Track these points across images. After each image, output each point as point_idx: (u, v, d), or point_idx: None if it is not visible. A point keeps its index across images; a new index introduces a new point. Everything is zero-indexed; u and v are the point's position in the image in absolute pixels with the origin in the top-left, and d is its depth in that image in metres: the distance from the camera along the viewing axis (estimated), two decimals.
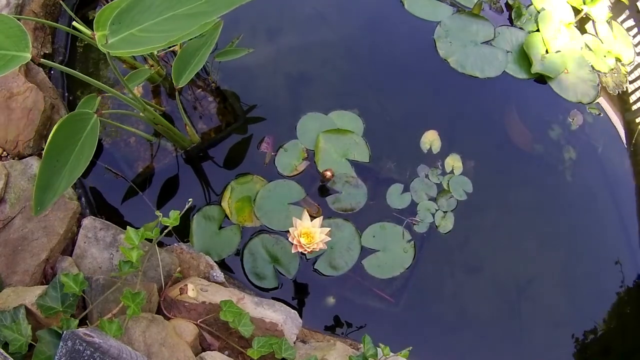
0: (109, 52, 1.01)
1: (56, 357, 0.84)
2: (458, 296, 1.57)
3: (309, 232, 1.38)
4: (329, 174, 1.57)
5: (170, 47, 1.70)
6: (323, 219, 1.47)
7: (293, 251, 1.44)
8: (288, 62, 1.83)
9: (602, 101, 1.93)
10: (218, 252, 1.51)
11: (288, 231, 1.43)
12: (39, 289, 1.10)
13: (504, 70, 1.89)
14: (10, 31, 0.97)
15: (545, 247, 1.67)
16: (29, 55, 0.97)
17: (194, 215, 1.54)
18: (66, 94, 1.65)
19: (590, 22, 2.09)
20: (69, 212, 1.30)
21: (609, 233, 1.74)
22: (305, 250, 1.39)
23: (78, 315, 1.13)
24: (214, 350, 1.22)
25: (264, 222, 1.55)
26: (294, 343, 1.27)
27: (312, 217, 1.44)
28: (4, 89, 1.38)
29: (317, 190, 1.61)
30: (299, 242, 1.37)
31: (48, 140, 1.09)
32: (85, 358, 0.83)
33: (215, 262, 1.41)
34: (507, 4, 2.04)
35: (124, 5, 0.98)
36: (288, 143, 1.66)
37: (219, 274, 1.37)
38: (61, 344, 0.84)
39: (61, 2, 1.59)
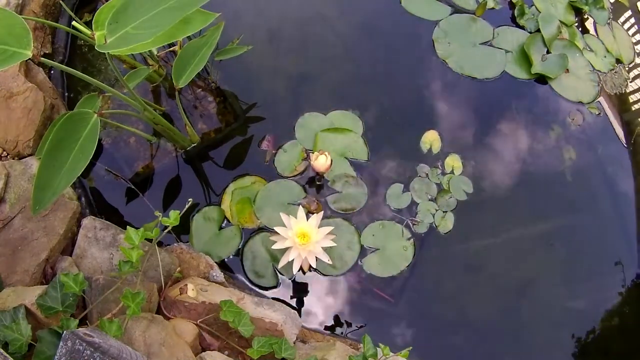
0: (107, 52, 1.01)
1: (56, 357, 0.84)
2: (458, 296, 1.57)
3: (305, 232, 1.37)
4: (323, 158, 1.50)
5: (170, 47, 1.70)
6: (323, 217, 1.47)
7: (281, 265, 1.42)
8: (288, 62, 1.83)
9: (602, 101, 1.93)
10: (218, 252, 1.51)
11: (275, 231, 1.40)
12: (39, 289, 1.10)
13: (504, 71, 1.89)
14: (13, 28, 0.98)
15: (545, 247, 1.66)
16: (29, 53, 0.97)
17: (193, 215, 1.54)
18: (66, 94, 1.65)
19: (591, 22, 2.09)
20: (69, 212, 1.30)
21: (609, 233, 1.74)
22: (302, 255, 1.36)
23: (78, 315, 1.13)
24: (214, 350, 1.22)
25: (264, 222, 1.55)
26: (294, 343, 1.27)
27: (311, 213, 1.44)
28: (4, 89, 1.38)
29: (309, 184, 1.61)
30: (295, 242, 1.35)
31: (48, 139, 1.09)
32: (85, 358, 0.83)
33: (215, 262, 1.41)
34: (510, 2, 2.04)
35: (120, 4, 0.98)
36: (287, 144, 1.66)
37: (218, 274, 1.37)
38: (61, 343, 0.84)
39: (61, 2, 1.59)
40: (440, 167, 1.70)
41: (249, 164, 1.63)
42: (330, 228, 1.43)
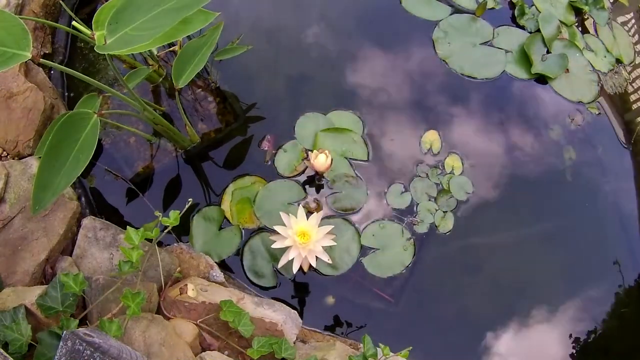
0: (107, 53, 1.01)
1: (56, 357, 0.84)
2: (458, 296, 1.57)
3: (305, 231, 1.37)
4: (323, 157, 1.51)
5: (170, 47, 1.70)
6: (322, 217, 1.47)
7: (281, 265, 1.42)
8: (288, 62, 1.83)
9: (602, 101, 1.93)
10: (218, 252, 1.51)
11: (275, 231, 1.41)
12: (39, 289, 1.10)
13: (504, 70, 1.89)
14: (12, 29, 0.97)
15: (545, 247, 1.67)
16: (29, 55, 0.97)
17: (193, 215, 1.54)
18: (66, 94, 1.65)
19: (591, 22, 2.09)
20: (69, 212, 1.30)
21: (609, 233, 1.74)
22: (302, 254, 1.37)
23: (78, 315, 1.13)
24: (214, 350, 1.22)
25: (264, 222, 1.55)
26: (294, 343, 1.27)
27: (311, 213, 1.44)
28: (4, 89, 1.38)
29: (309, 184, 1.61)
30: (295, 241, 1.35)
31: (48, 139, 1.09)
32: (85, 358, 0.83)
33: (215, 262, 1.41)
34: (510, 2, 2.04)
35: (120, 4, 0.98)
36: (287, 144, 1.66)
37: (218, 274, 1.37)
38: (61, 344, 0.84)
39: (61, 2, 1.59)
40: (440, 167, 1.70)
41: (249, 164, 1.63)
42: (330, 227, 1.43)
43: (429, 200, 1.64)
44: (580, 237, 1.71)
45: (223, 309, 1.19)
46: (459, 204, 1.65)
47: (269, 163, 1.63)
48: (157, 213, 1.16)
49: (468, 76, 1.86)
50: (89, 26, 1.13)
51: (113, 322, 1.05)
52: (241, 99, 1.72)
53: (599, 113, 1.89)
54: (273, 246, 1.40)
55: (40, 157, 1.15)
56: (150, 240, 1.18)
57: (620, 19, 2.14)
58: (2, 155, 1.40)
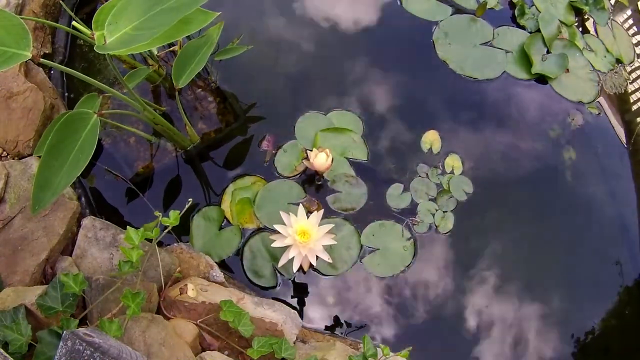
0: (107, 53, 1.01)
1: (56, 357, 0.84)
2: (457, 296, 1.57)
3: (306, 230, 1.37)
4: (323, 156, 1.51)
5: (170, 47, 1.70)
6: (323, 217, 1.47)
7: (281, 264, 1.42)
8: (288, 62, 1.83)
9: (602, 101, 1.93)
10: (218, 252, 1.51)
11: (275, 231, 1.41)
12: (39, 289, 1.10)
13: (504, 71, 1.89)
14: (12, 29, 0.97)
15: (545, 247, 1.67)
16: (29, 54, 0.97)
17: (193, 215, 1.54)
18: (66, 94, 1.65)
19: (591, 22, 2.09)
20: (69, 212, 1.30)
21: (609, 233, 1.74)
22: (303, 252, 1.37)
23: (78, 315, 1.13)
24: (214, 350, 1.22)
25: (264, 222, 1.55)
26: (294, 343, 1.27)
27: (311, 213, 1.45)
28: (4, 89, 1.38)
29: (309, 184, 1.61)
30: (295, 240, 1.36)
31: (47, 139, 1.09)
32: (85, 358, 0.83)
33: (215, 262, 1.41)
34: (510, 2, 2.04)
35: (120, 4, 0.98)
36: (287, 144, 1.66)
37: (218, 274, 1.37)
38: (61, 343, 0.84)
39: (61, 2, 1.59)
40: (440, 167, 1.70)
41: (249, 164, 1.63)
42: (330, 226, 1.43)
43: (429, 200, 1.64)
44: (580, 237, 1.71)
45: (223, 309, 1.19)
46: (459, 204, 1.65)
47: (269, 163, 1.63)
48: (157, 213, 1.16)
49: (468, 76, 1.86)
50: (89, 26, 1.13)
51: (113, 322, 1.05)
52: (241, 99, 1.72)
53: (599, 113, 1.89)
54: (273, 245, 1.40)
55: (40, 157, 1.16)
56: (150, 240, 1.18)
57: (620, 19, 2.14)
58: (2, 155, 1.40)
